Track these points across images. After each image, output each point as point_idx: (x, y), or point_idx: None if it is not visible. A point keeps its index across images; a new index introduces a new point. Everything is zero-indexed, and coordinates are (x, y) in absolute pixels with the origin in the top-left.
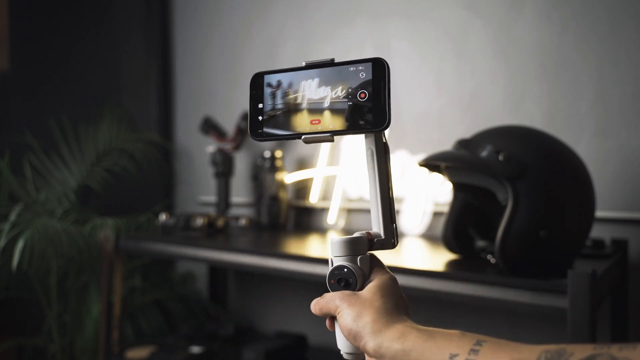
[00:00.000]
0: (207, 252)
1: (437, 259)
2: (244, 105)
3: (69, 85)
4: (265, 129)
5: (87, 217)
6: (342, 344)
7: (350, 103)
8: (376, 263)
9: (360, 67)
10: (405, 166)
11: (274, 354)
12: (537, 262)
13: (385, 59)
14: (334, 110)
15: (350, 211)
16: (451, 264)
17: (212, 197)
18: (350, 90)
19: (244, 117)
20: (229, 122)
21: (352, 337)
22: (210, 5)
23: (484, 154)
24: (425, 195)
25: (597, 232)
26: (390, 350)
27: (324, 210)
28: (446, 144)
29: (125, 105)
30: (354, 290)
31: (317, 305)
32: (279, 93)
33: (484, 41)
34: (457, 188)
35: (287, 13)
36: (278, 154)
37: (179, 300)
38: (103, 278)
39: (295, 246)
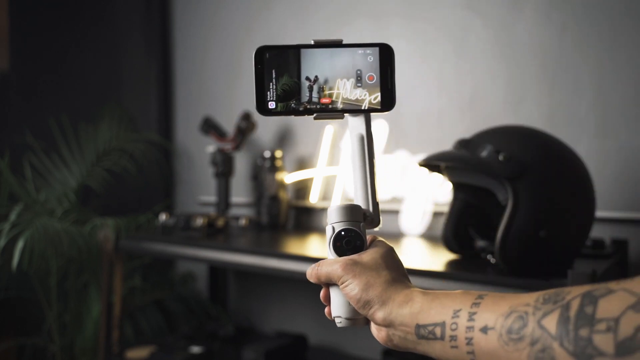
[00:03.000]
0: (207, 252)
1: (437, 259)
2: (244, 105)
3: (69, 85)
4: (272, 106)
5: (87, 217)
6: (342, 310)
7: (360, 85)
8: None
9: (369, 51)
10: (405, 166)
11: (274, 354)
12: (537, 262)
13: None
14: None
15: None
16: (451, 264)
17: (212, 197)
18: (359, 72)
19: (244, 117)
20: (229, 122)
21: (361, 306)
22: (210, 5)
23: (484, 154)
24: (425, 195)
25: (597, 232)
26: (399, 315)
27: (324, 210)
28: (446, 144)
29: (125, 105)
30: (359, 254)
31: (316, 273)
32: (289, 70)
33: (484, 41)
34: (457, 188)
35: (287, 13)
36: (278, 154)
37: (179, 300)
38: (103, 278)
39: (295, 246)
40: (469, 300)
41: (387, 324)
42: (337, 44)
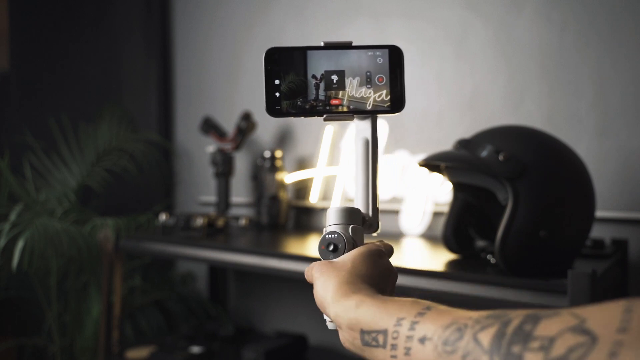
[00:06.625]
0: (207, 252)
1: (437, 259)
2: (244, 105)
3: (69, 85)
4: (284, 106)
5: (87, 217)
6: None
7: (370, 86)
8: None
9: (378, 53)
10: (405, 166)
11: (274, 354)
12: (537, 262)
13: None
14: (355, 92)
15: None
16: (451, 264)
17: (212, 197)
18: (369, 73)
19: (244, 117)
20: (229, 122)
21: (319, 305)
22: (210, 5)
23: (484, 154)
24: (425, 195)
25: (597, 232)
26: (345, 319)
27: (324, 210)
28: (446, 144)
29: (125, 105)
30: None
31: (305, 273)
32: (297, 70)
33: (484, 41)
34: (457, 188)
35: (287, 13)
36: (278, 154)
37: (179, 300)
38: (103, 278)
39: (295, 246)
40: (415, 310)
41: (338, 326)
42: (347, 46)
